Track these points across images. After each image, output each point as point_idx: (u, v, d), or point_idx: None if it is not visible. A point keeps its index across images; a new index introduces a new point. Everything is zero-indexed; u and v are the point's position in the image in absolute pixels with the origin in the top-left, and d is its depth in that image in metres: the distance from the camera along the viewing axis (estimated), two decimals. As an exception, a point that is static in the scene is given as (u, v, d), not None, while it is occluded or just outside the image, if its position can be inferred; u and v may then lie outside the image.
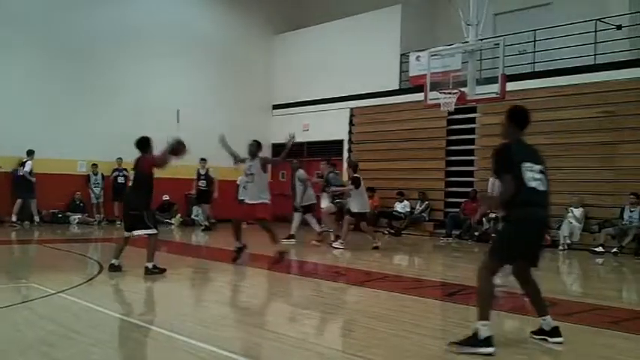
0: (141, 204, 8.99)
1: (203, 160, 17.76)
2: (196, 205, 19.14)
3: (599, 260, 13.00)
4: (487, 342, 5.12)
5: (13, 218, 16.91)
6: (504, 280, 7.12)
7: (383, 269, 10.85)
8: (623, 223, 13.87)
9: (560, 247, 14.49)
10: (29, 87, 17.80)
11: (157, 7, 20.47)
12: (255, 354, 5.20)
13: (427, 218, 18.09)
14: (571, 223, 14.66)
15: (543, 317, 5.58)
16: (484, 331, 5.14)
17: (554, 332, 5.52)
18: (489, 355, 5.06)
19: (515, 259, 5.54)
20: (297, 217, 14.93)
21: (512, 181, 5.26)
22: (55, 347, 5.19)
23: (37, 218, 17.39)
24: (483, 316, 5.22)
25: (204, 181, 18.22)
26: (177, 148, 9.08)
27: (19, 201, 17.00)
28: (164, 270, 9.10)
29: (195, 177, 18.24)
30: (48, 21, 18.20)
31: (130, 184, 9.14)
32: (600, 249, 13.64)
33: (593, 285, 10.46)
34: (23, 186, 16.99)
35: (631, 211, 13.84)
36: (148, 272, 8.93)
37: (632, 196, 13.84)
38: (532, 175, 5.33)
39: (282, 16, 23.39)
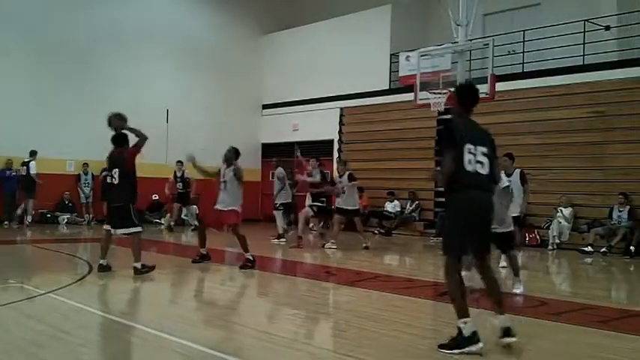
0: (127, 197, 8.92)
1: (179, 162, 17.40)
2: (180, 205, 18.35)
3: (588, 260, 13.06)
4: (473, 338, 5.04)
5: (29, 219, 17.26)
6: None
7: (374, 269, 10.85)
8: (612, 222, 13.95)
9: (550, 247, 14.57)
10: (19, 86, 17.70)
11: (147, 8, 20.40)
12: (246, 354, 5.19)
13: (417, 218, 18.13)
14: (560, 222, 14.73)
15: (500, 316, 5.31)
16: (467, 329, 5.05)
17: (506, 332, 5.24)
18: (479, 350, 5.02)
19: (465, 249, 5.30)
20: (278, 215, 14.92)
21: (453, 159, 5.04)
22: (44, 348, 5.15)
23: (29, 218, 17.33)
24: (461, 314, 5.12)
25: (181, 184, 17.88)
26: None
27: (30, 201, 17.28)
28: (153, 267, 9.06)
29: (171, 178, 17.91)
30: (41, 21, 18.12)
31: (114, 181, 8.94)
32: (589, 248, 13.71)
33: (582, 284, 10.51)
34: (26, 186, 17.14)
35: (620, 211, 13.92)
36: (138, 272, 8.87)
37: (620, 196, 13.92)
38: (472, 157, 5.07)
39: (272, 16, 23.37)
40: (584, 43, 15.30)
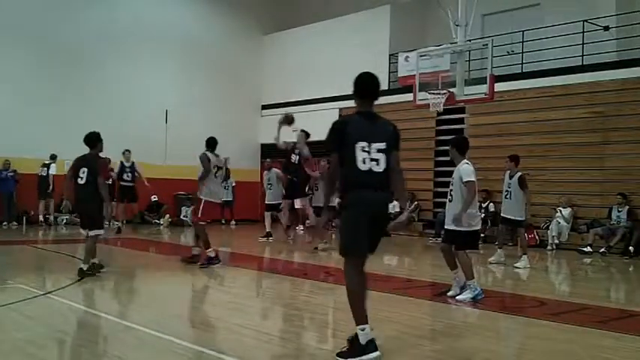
0: (97, 199, 8.88)
1: (127, 151, 16.62)
2: (122, 202, 16.67)
3: (587, 260, 13.05)
4: (369, 347, 4.72)
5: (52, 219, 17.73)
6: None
7: (372, 269, 10.78)
8: (611, 223, 13.95)
9: (549, 247, 14.57)
10: (17, 87, 17.66)
11: (146, 7, 20.40)
12: (244, 354, 5.18)
13: (416, 219, 18.11)
14: (559, 223, 14.72)
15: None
16: (363, 337, 4.74)
17: (369, 345, 4.77)
18: None
19: (361, 247, 4.92)
20: (268, 216, 15.01)
21: (338, 162, 4.88)
22: (43, 348, 5.14)
23: (51, 218, 17.78)
24: (358, 319, 4.80)
25: (129, 174, 16.53)
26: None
27: (50, 202, 17.68)
28: (101, 266, 8.97)
29: (117, 170, 16.54)
30: (36, 21, 18.08)
31: (81, 181, 8.82)
32: (588, 249, 13.70)
33: (582, 285, 10.51)
34: (45, 187, 17.42)
35: (619, 211, 13.92)
36: (82, 274, 8.58)
37: (618, 197, 13.93)
38: (366, 155, 4.84)
39: (272, 17, 23.38)
40: (583, 44, 15.30)
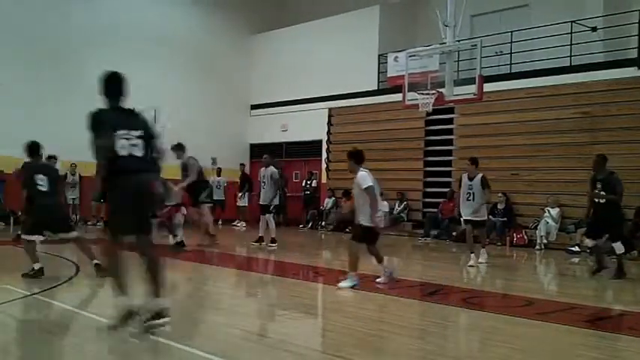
0: (62, 204, 8.96)
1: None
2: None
3: (575, 259, 13.11)
4: (127, 317, 5.36)
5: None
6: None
7: (361, 269, 10.83)
8: (599, 222, 14.01)
9: (537, 247, 14.65)
10: (4, 88, 17.53)
11: (134, 6, 20.32)
12: (234, 355, 5.16)
13: (406, 218, 18.15)
14: (547, 222, 14.80)
15: (154, 299, 5.41)
16: (122, 307, 5.37)
17: (157, 315, 5.36)
18: (124, 330, 5.29)
19: (126, 229, 5.45)
20: (270, 218, 13.69)
21: (103, 146, 5.32)
22: (30, 349, 5.11)
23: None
24: (118, 291, 5.44)
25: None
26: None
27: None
28: (40, 271, 8.80)
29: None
30: (23, 21, 17.98)
31: (44, 189, 8.76)
32: (576, 248, 13.77)
33: (569, 284, 10.55)
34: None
35: (606, 211, 13.98)
36: (26, 275, 8.54)
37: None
38: (125, 142, 5.38)
39: (261, 16, 23.35)
40: (571, 44, 15.38)
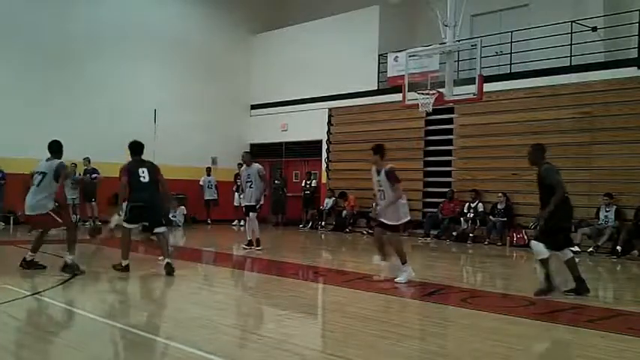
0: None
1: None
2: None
3: (575, 260, 13.07)
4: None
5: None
6: None
7: (361, 269, 10.84)
8: (599, 223, 14.03)
9: (537, 247, 14.61)
10: (4, 87, 17.54)
11: (135, 6, 20.31)
12: (234, 355, 5.16)
13: (405, 218, 18.10)
14: (547, 222, 14.76)
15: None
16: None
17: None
18: None
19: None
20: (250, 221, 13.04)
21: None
22: (30, 349, 5.10)
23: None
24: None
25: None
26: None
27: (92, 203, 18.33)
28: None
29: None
30: (23, 20, 17.97)
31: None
32: (576, 248, 13.74)
33: (569, 284, 10.53)
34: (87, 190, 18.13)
35: (606, 211, 14.01)
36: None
37: (605, 197, 14.01)
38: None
39: (261, 16, 23.33)
40: (571, 44, 15.37)
